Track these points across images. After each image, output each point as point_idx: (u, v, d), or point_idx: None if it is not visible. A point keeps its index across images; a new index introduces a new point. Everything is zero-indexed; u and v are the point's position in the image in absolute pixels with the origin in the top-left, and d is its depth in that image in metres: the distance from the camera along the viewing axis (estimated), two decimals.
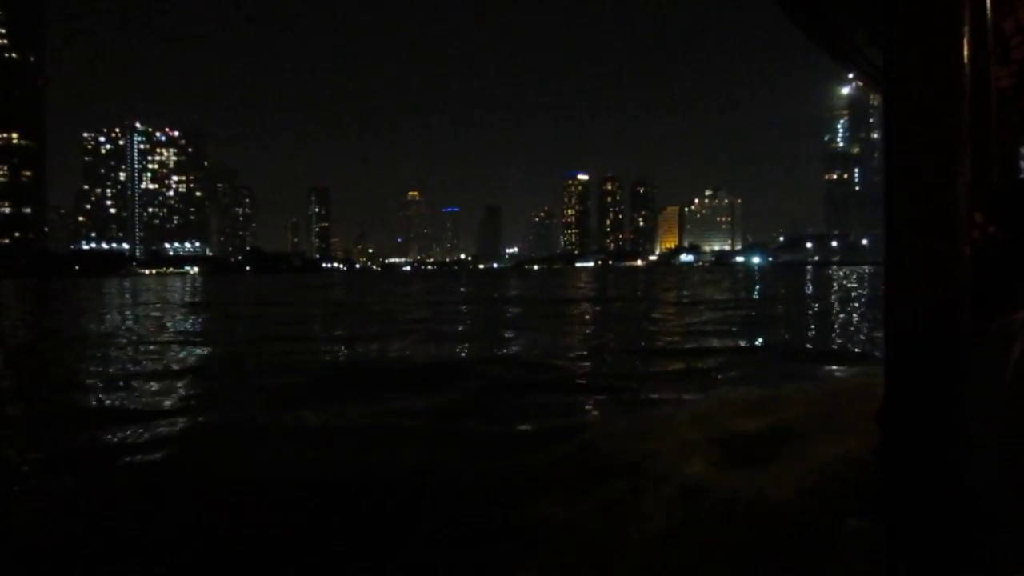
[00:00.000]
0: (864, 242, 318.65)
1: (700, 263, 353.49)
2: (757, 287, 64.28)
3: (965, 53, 2.12)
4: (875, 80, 5.76)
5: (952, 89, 2.11)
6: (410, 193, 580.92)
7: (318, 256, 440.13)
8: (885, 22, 2.27)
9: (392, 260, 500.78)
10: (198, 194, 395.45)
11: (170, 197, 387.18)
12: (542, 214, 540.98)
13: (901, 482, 2.17)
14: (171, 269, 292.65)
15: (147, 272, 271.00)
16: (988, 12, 2.51)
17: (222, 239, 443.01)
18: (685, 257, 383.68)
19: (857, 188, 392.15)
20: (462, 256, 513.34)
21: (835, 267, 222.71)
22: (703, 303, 40.41)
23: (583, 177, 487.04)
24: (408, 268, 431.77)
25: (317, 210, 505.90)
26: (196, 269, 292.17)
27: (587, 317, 33.86)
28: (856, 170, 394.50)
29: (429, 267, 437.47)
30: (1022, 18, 4.45)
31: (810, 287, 63.65)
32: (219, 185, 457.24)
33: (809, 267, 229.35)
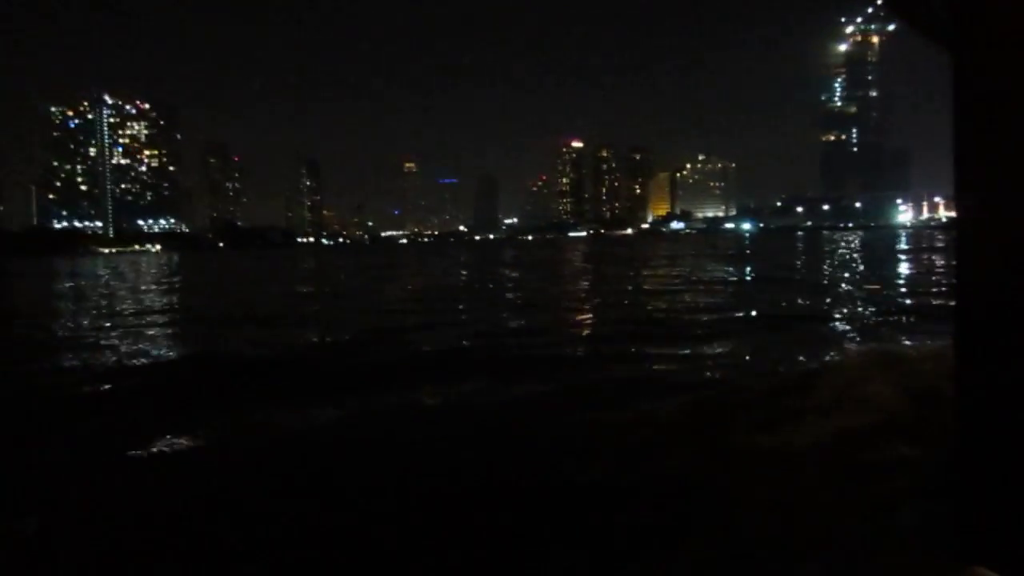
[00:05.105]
0: (857, 205, 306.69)
1: (690, 230, 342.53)
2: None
3: None
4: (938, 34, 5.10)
5: None
6: (406, 164, 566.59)
7: (309, 230, 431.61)
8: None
9: (388, 233, 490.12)
10: (171, 168, 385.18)
11: (143, 172, 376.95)
12: (539, 183, 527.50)
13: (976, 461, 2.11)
14: (136, 247, 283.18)
15: (105, 251, 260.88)
16: None
17: (214, 215, 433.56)
18: (675, 224, 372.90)
19: (855, 149, 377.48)
20: (461, 228, 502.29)
21: (826, 232, 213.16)
22: None
23: (577, 144, 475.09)
24: (404, 241, 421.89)
25: (308, 183, 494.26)
26: (158, 247, 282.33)
27: None
28: (854, 130, 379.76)
29: (425, 239, 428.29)
30: None
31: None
32: (210, 160, 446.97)
33: (800, 232, 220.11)
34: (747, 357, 11.66)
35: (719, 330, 15.13)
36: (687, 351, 12.48)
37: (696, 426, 7.45)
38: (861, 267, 37.96)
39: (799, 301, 21.55)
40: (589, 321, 19.19)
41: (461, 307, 23.24)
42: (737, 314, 18.28)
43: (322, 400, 9.43)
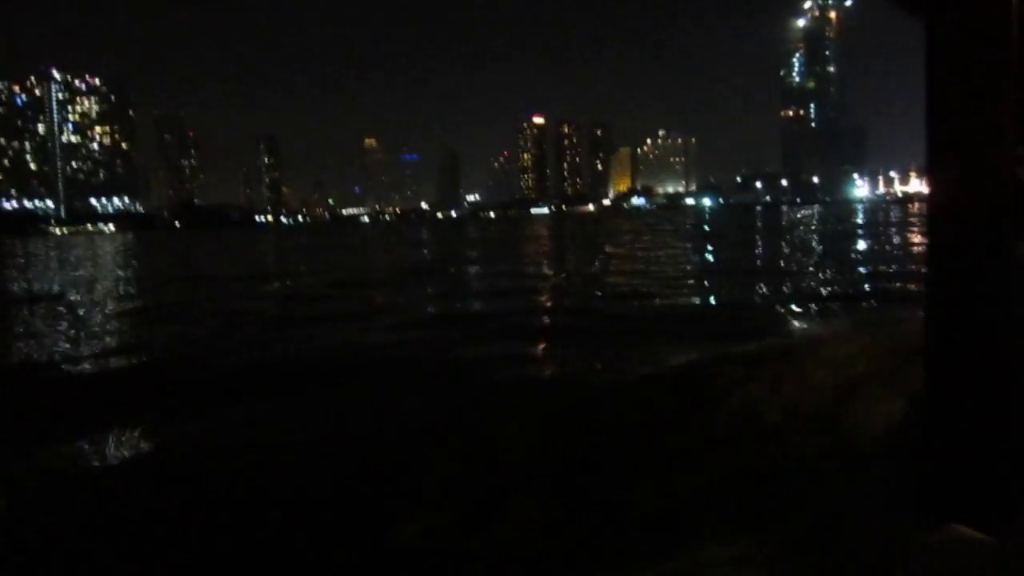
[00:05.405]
0: (815, 180, 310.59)
1: (652, 206, 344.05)
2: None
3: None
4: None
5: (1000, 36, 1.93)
6: (367, 141, 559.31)
7: (269, 208, 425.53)
8: None
9: (350, 211, 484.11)
10: (125, 146, 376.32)
11: (95, 150, 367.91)
12: (502, 159, 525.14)
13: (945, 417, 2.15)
14: (89, 227, 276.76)
15: (57, 232, 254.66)
16: None
17: (170, 192, 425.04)
18: (637, 200, 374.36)
19: (813, 125, 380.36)
20: (423, 205, 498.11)
21: (785, 208, 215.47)
22: None
23: (539, 120, 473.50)
24: (366, 219, 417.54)
25: (267, 160, 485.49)
26: (112, 227, 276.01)
27: None
28: (812, 106, 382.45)
29: (387, 217, 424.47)
30: None
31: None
32: (166, 136, 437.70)
33: (759, 208, 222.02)
34: (670, 357, 10.72)
35: (659, 316, 14.42)
36: (612, 349, 11.52)
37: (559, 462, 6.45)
38: (819, 246, 37.54)
39: (750, 285, 20.78)
40: (533, 310, 18.24)
41: (410, 292, 22.23)
42: (693, 300, 17.65)
43: (181, 409, 8.26)
